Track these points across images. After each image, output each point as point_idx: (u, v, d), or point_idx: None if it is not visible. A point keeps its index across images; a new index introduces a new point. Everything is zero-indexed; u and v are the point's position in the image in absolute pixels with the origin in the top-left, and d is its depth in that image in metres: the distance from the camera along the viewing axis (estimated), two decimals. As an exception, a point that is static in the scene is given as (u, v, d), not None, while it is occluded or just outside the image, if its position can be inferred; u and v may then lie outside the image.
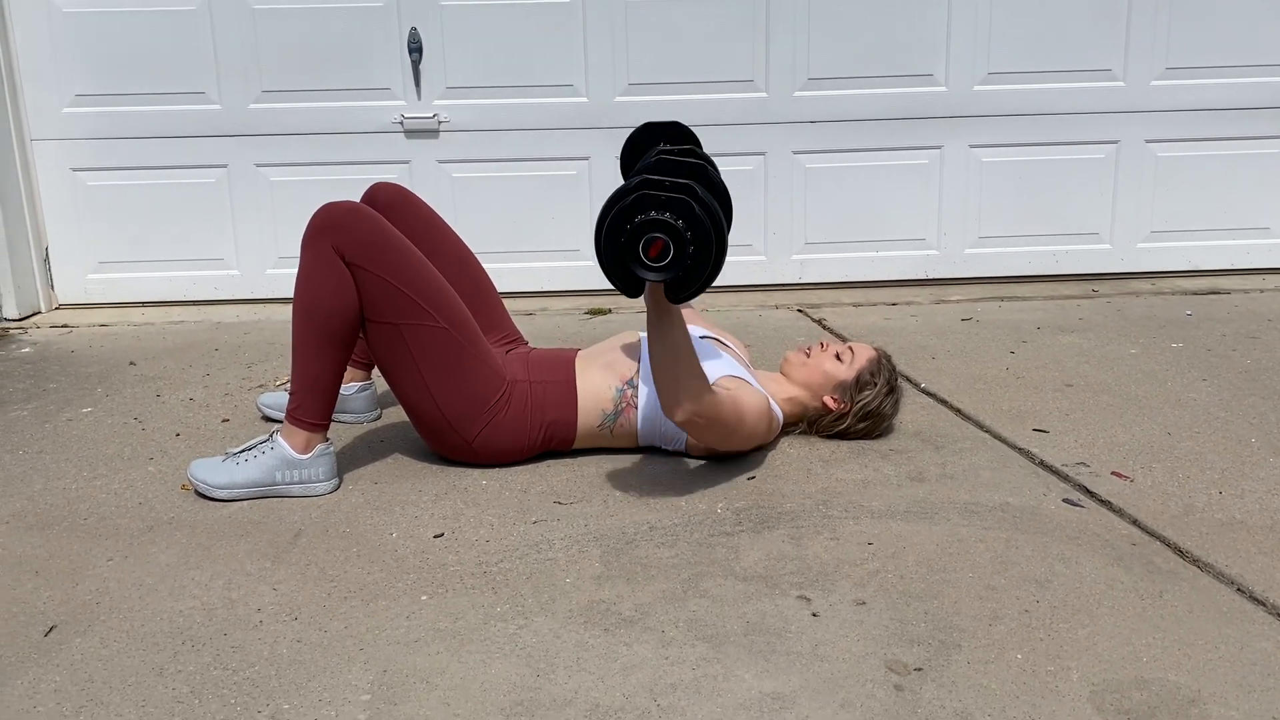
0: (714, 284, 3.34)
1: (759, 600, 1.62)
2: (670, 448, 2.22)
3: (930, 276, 3.89)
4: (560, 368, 2.20)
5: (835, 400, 2.25)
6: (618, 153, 3.63)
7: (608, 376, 2.19)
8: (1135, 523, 1.87)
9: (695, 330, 2.31)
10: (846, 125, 3.76)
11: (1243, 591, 1.63)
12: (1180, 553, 1.76)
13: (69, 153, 3.73)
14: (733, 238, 3.64)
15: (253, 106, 3.70)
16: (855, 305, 3.63)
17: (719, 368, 2.15)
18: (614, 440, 2.22)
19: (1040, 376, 2.74)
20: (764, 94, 3.73)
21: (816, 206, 3.82)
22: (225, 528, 1.95)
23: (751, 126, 3.75)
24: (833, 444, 2.28)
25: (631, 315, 3.56)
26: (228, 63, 3.65)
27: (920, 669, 1.44)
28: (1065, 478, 2.08)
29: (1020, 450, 2.23)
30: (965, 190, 3.83)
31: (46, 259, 3.81)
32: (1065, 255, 3.89)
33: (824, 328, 3.34)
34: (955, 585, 1.66)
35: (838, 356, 2.28)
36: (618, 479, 2.11)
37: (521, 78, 3.69)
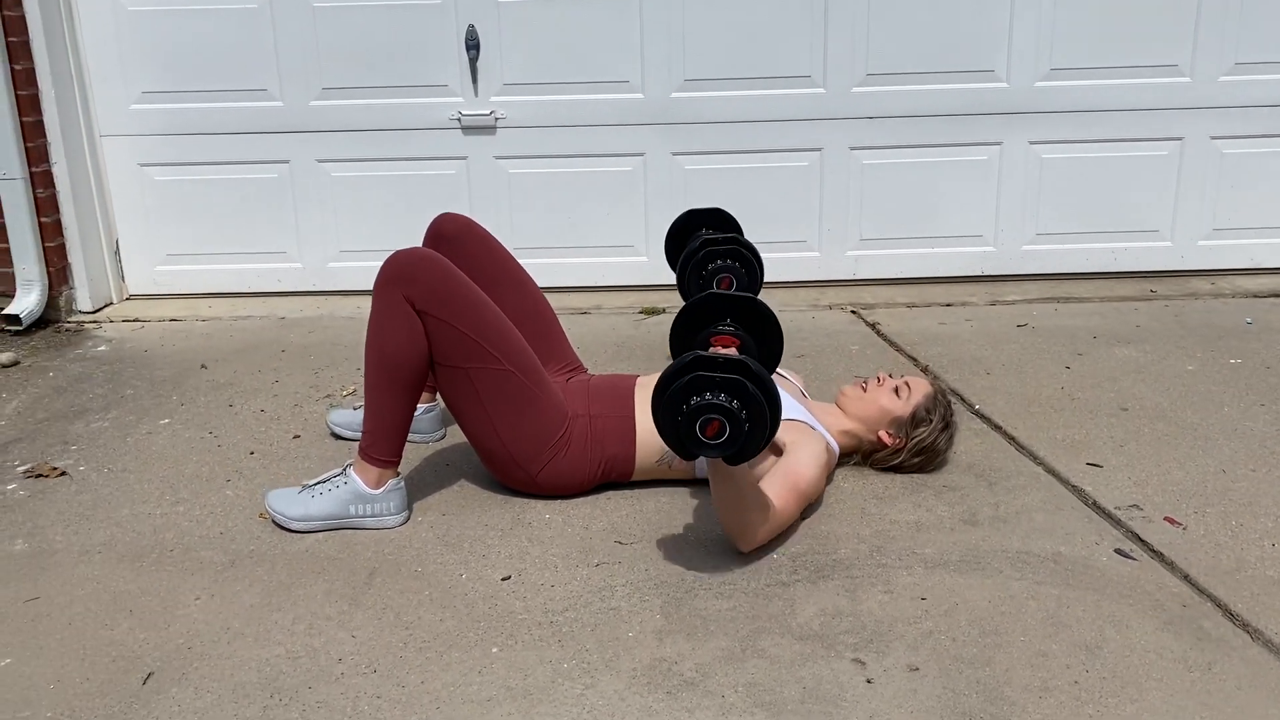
0: (769, 279, 3.43)
1: (815, 663, 1.69)
2: (724, 483, 2.28)
3: (986, 273, 3.87)
4: (620, 401, 2.26)
5: (890, 435, 2.29)
6: (673, 149, 3.68)
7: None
8: (1187, 578, 1.91)
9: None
10: (905, 121, 3.73)
11: (1291, 663, 1.66)
12: (1230, 615, 1.79)
13: (137, 148, 3.81)
14: (787, 233, 3.68)
15: (314, 103, 3.75)
16: (909, 306, 3.64)
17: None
18: (672, 474, 2.28)
19: (1095, 398, 2.75)
20: (821, 90, 3.71)
21: (872, 203, 3.82)
22: (303, 564, 2.05)
23: (808, 122, 3.74)
24: (886, 478, 2.33)
25: (686, 316, 3.59)
26: (289, 60, 3.70)
27: (971, 747, 1.50)
28: (1118, 523, 2.11)
29: (1073, 488, 2.26)
30: (1024, 187, 3.79)
31: (117, 252, 3.92)
32: (1124, 253, 3.86)
33: (878, 333, 3.36)
34: (1007, 650, 1.71)
35: (895, 391, 2.31)
36: (676, 518, 2.18)
37: (578, 74, 3.70)
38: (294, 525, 2.16)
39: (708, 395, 1.77)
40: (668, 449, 2.22)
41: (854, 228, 3.85)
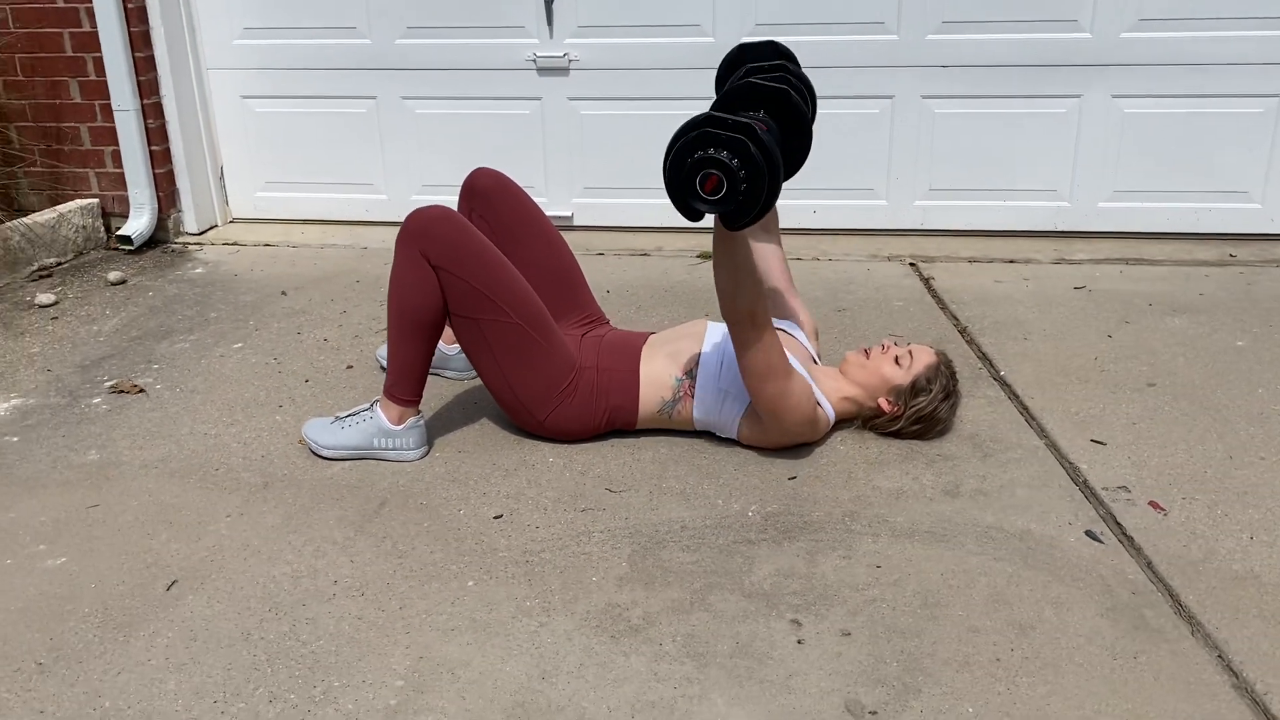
0: (833, 226, 3.46)
1: (754, 620, 1.81)
2: (723, 435, 2.39)
3: (1059, 229, 3.79)
4: (628, 356, 2.38)
5: (890, 403, 2.35)
6: None
7: (669, 366, 2.35)
8: (1149, 565, 1.93)
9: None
10: (980, 71, 3.65)
11: (1222, 658, 1.69)
12: (1179, 606, 1.82)
13: (239, 81, 4.06)
14: (854, 180, 3.67)
15: (399, 42, 3.91)
16: (970, 261, 3.61)
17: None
18: (673, 424, 2.40)
19: (1126, 371, 2.72)
20: (895, 36, 3.66)
21: (943, 153, 3.77)
22: (326, 490, 2.26)
23: (880, 69, 3.70)
24: (883, 443, 2.39)
25: (742, 262, 3.66)
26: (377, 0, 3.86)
27: (875, 713, 1.60)
28: (1100, 503, 2.13)
29: (1068, 465, 2.28)
30: (1104, 142, 3.68)
31: (222, 178, 4.21)
32: (1208, 214, 3.71)
33: (929, 289, 3.36)
34: (941, 623, 1.79)
35: (896, 360, 2.36)
36: (668, 468, 2.30)
37: (650, 18, 3.74)
38: (325, 453, 2.38)
39: (711, 150, 1.88)
40: (667, 399, 2.34)
41: (923, 178, 3.81)
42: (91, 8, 3.73)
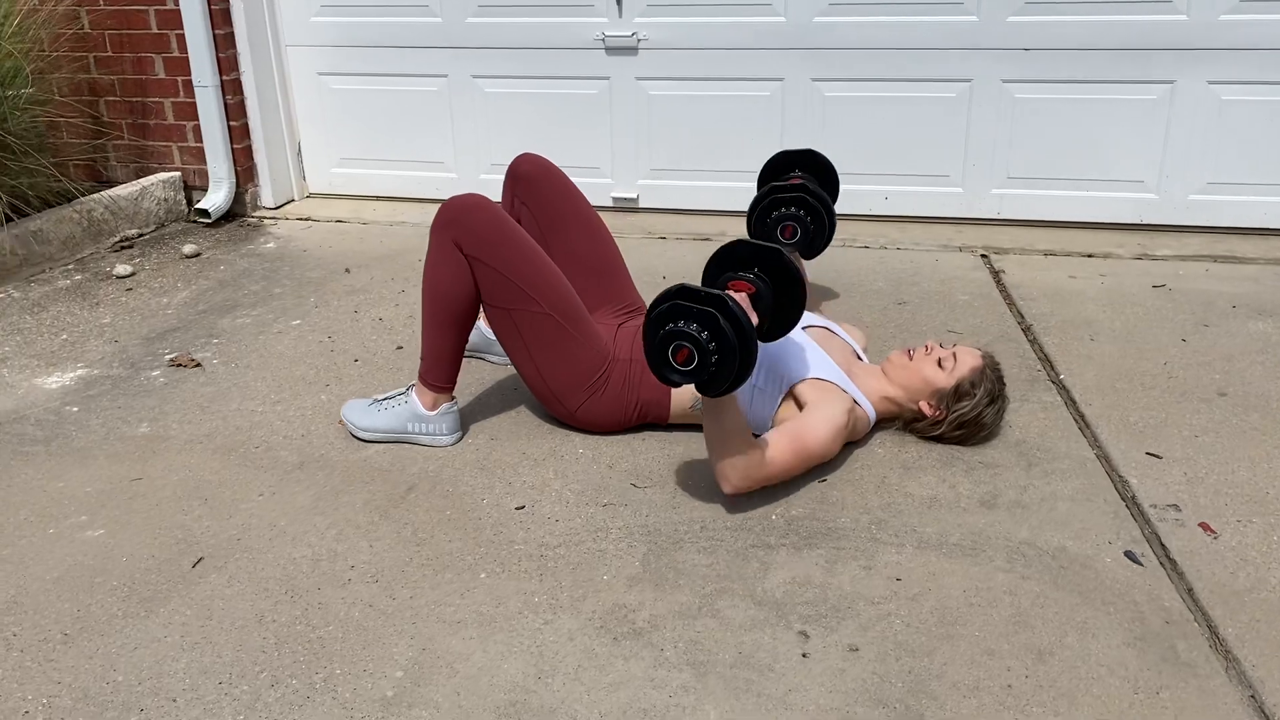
0: (905, 213, 3.43)
1: (761, 630, 1.77)
2: (758, 433, 2.33)
3: (1144, 222, 3.61)
4: (663, 349, 2.34)
5: (931, 406, 2.27)
6: (813, 75, 3.63)
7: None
8: (1190, 592, 1.83)
9: (804, 318, 2.37)
10: (1064, 54, 3.48)
11: (1255, 699, 1.59)
12: (1215, 639, 1.71)
13: (316, 58, 4.13)
14: (929, 167, 3.55)
15: (470, 20, 3.91)
16: (1046, 254, 3.46)
17: (807, 369, 2.22)
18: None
19: (1197, 378, 2.57)
20: (974, 17, 3.51)
21: (1023, 139, 3.61)
22: (357, 472, 2.29)
23: (958, 51, 3.56)
24: (923, 447, 2.31)
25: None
26: (448, -22, 3.87)
27: (871, 735, 1.55)
28: (1146, 521, 2.02)
29: (1118, 479, 2.17)
30: (1197, 130, 3.48)
31: (299, 154, 4.29)
32: (1309, 209, 3.48)
33: (998, 283, 3.23)
34: (956, 642, 1.72)
35: (940, 362, 2.27)
36: (696, 465, 2.26)
37: (721, -4, 3.67)
38: (361, 435, 2.41)
39: (681, 323, 1.90)
40: (699, 396, 2.30)
41: (1001, 165, 3.66)
42: (174, -14, 3.82)
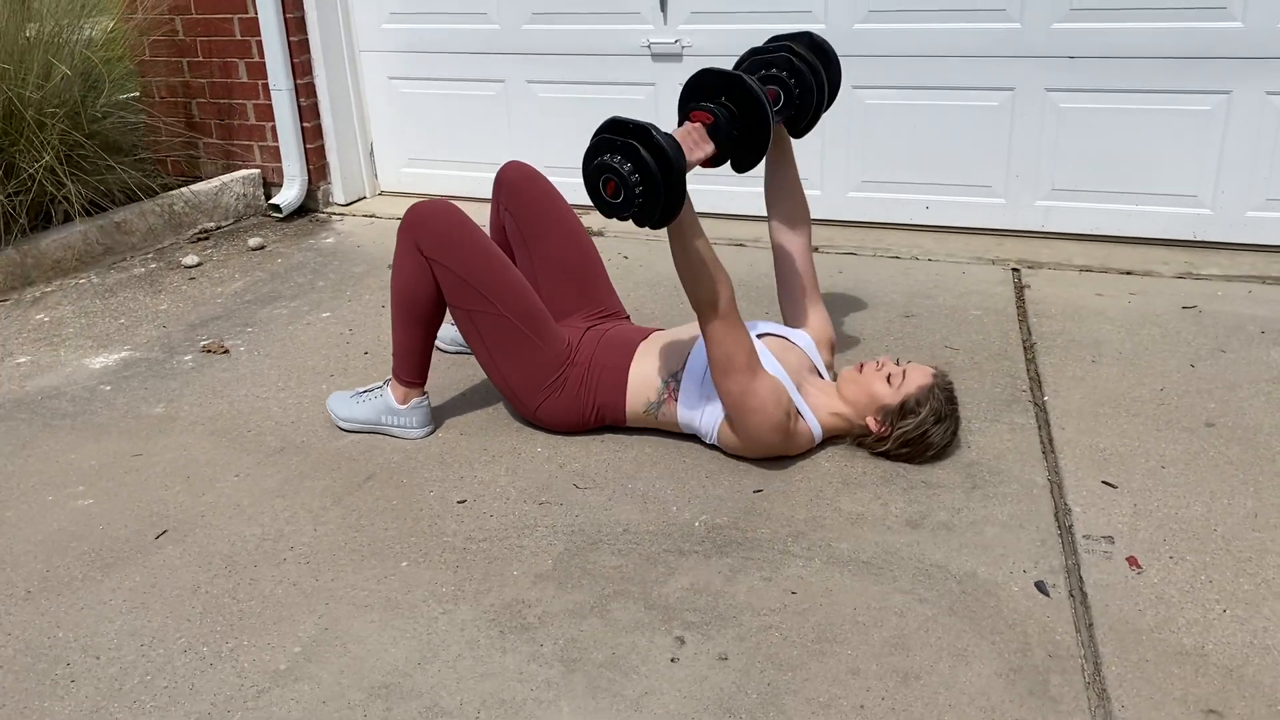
0: (947, 223, 3.37)
1: (640, 633, 1.81)
2: (706, 441, 2.36)
3: (1196, 239, 3.43)
4: (622, 353, 2.40)
5: (878, 423, 2.25)
6: (853, 82, 3.61)
7: (659, 366, 2.36)
8: (1089, 627, 1.77)
9: (755, 327, 2.39)
10: (1112, 62, 3.34)
11: (1114, 742, 1.54)
12: (1096, 676, 1.66)
13: (386, 63, 4.33)
14: (971, 177, 3.46)
15: (525, 27, 4.04)
16: (1081, 269, 3.33)
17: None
18: (660, 424, 2.40)
19: (1189, 406, 2.46)
20: (1017, 24, 3.41)
21: (1068, 150, 3.49)
22: (328, 459, 2.44)
23: (1000, 59, 3.46)
24: (872, 463, 2.29)
25: (835, 257, 3.56)
26: (503, -14, 4.01)
27: (707, 743, 1.58)
28: (1073, 552, 1.97)
29: (1061, 506, 2.11)
30: (1257, 143, 3.28)
31: (371, 154, 4.52)
32: (1377, 230, 3.24)
33: (1019, 298, 3.14)
34: (826, 660, 1.73)
35: (888, 379, 2.25)
36: (642, 470, 2.31)
37: (762, 3, 3.68)
38: (341, 424, 2.56)
39: (607, 156, 1.96)
40: (653, 400, 2.35)
41: (1045, 176, 3.55)
42: (255, -5, 4.09)
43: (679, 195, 1.96)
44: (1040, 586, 1.87)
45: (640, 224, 2.03)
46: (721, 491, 2.22)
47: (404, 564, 2.04)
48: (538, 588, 1.95)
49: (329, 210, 4.42)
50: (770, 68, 2.33)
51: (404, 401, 2.48)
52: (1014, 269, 3.37)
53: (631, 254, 3.70)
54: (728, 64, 3.71)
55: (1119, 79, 3.34)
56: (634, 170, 1.94)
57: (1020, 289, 3.21)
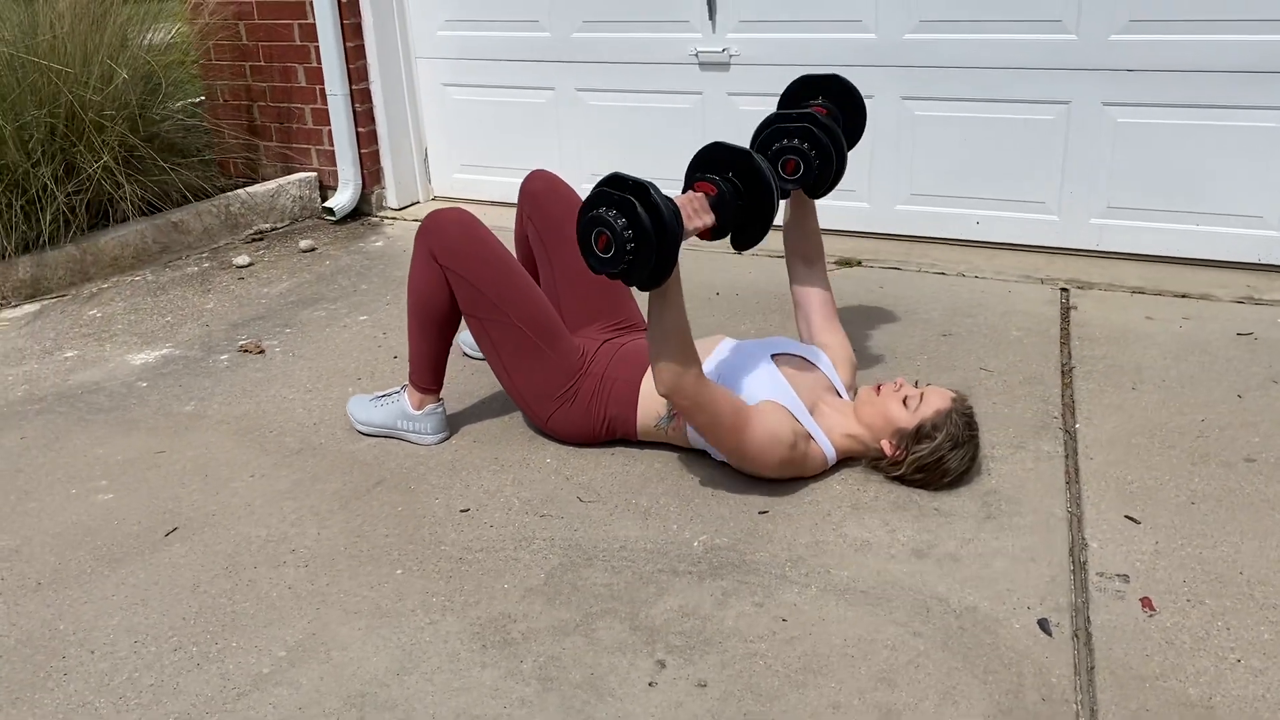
0: (998, 240, 3.29)
1: (622, 654, 1.78)
2: (716, 457, 2.32)
3: (1263, 262, 3.27)
4: (636, 366, 2.37)
5: (893, 446, 2.18)
6: (903, 93, 3.53)
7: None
8: (1089, 670, 1.69)
9: (772, 346, 2.34)
10: (1172, 76, 3.21)
11: (1100, 796, 1.46)
12: (1091, 725, 1.58)
13: (440, 69, 4.37)
14: (1023, 192, 3.36)
15: (575, 35, 4.04)
16: (1134, 291, 3.20)
17: (762, 394, 2.19)
18: (671, 439, 2.37)
19: (1230, 440, 2.34)
20: (1073, 36, 3.29)
21: (1125, 166, 3.36)
22: (342, 462, 2.45)
23: (1055, 72, 3.35)
24: (886, 487, 2.23)
25: (878, 271, 3.48)
26: (555, -6, 4.01)
27: (672, 772, 1.54)
28: (1084, 589, 1.88)
29: (1078, 541, 2.02)
30: (1326, 162, 3.12)
31: (425, 159, 4.56)
32: None
33: (1064, 320, 3.03)
34: (807, 692, 1.67)
35: (905, 401, 2.18)
36: (648, 485, 2.28)
37: (811, 12, 3.61)
38: (360, 427, 2.58)
39: (603, 209, 1.93)
40: (664, 415, 2.32)
41: (1101, 193, 3.42)
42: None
43: (670, 259, 1.93)
44: (1043, 625, 1.79)
45: (628, 283, 1.99)
46: (726, 511, 2.17)
47: (399, 572, 2.04)
48: (526, 602, 1.93)
49: (381, 214, 4.47)
50: (790, 138, 2.35)
51: (419, 407, 2.48)
52: (1063, 289, 3.26)
53: (671, 264, 3.67)
54: (773, 73, 3.67)
55: (1180, 93, 3.20)
56: (628, 226, 1.90)
57: (1066, 310, 3.10)
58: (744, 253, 2.13)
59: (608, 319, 2.55)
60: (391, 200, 4.48)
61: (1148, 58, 3.21)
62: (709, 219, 2.06)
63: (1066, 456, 2.31)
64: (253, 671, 1.79)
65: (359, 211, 4.46)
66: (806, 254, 2.52)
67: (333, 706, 1.70)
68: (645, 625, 1.85)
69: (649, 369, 2.35)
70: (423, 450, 2.49)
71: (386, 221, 4.39)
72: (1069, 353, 2.81)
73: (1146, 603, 1.83)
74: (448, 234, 2.32)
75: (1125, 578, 1.90)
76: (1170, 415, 2.46)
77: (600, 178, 3.82)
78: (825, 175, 2.36)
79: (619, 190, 1.92)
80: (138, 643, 1.88)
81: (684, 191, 2.11)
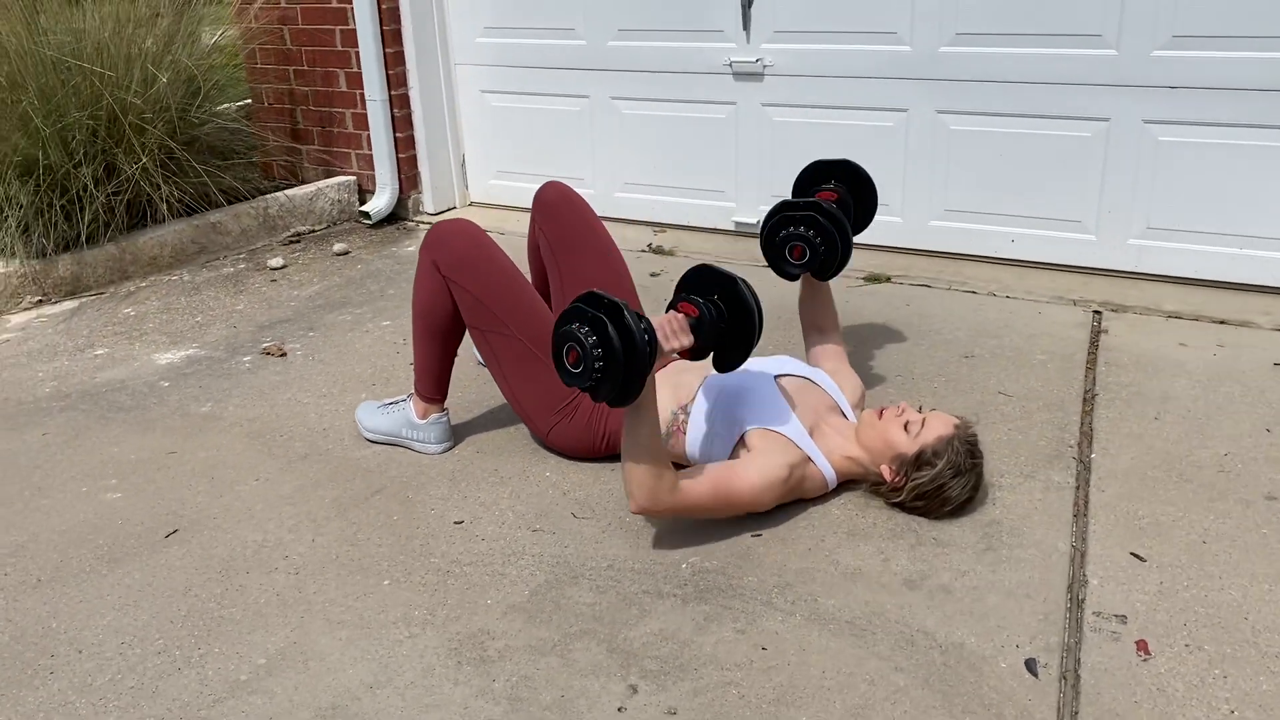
0: (1032, 258, 3.20)
1: (595, 678, 1.75)
2: (711, 476, 2.28)
3: (1308, 288, 3.14)
4: (639, 383, 2.34)
5: (892, 472, 2.13)
6: (938, 106, 3.47)
7: (671, 398, 2.29)
8: (1074, 715, 1.62)
9: (776, 365, 2.30)
10: (1217, 94, 3.10)
11: None
12: (1069, 774, 1.52)
13: (479, 76, 4.40)
14: (1060, 210, 3.28)
15: (610, 44, 4.03)
16: (1170, 316, 3.10)
17: (761, 418, 2.16)
18: (671, 457, 2.33)
19: (1253, 476, 2.24)
20: (1113, 51, 3.20)
21: (1167, 186, 3.25)
22: (346, 469, 2.47)
23: (1093, 88, 3.26)
24: (885, 513, 2.17)
25: (906, 288, 3.41)
26: (589, 2, 4.00)
27: (630, 802, 1.51)
28: (1077, 629, 1.81)
29: (1078, 578, 1.95)
30: (1378, 186, 2.99)
31: (463, 164, 4.59)
32: None
33: (1092, 345, 2.94)
34: (778, 725, 1.63)
35: (906, 426, 2.13)
36: (643, 503, 2.25)
37: (845, 23, 3.56)
38: (366, 434, 2.59)
39: (575, 325, 1.93)
40: (661, 434, 2.29)
41: (1140, 214, 3.31)
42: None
43: (637, 378, 1.90)
44: (1029, 665, 1.73)
45: (595, 399, 1.97)
46: (718, 532, 2.14)
47: (386, 583, 2.04)
48: (507, 619, 1.91)
49: (417, 219, 4.51)
50: (796, 225, 2.41)
51: (423, 416, 2.49)
52: (1095, 311, 3.16)
53: (697, 276, 3.63)
54: (807, 84, 3.62)
55: (1225, 112, 3.09)
56: (597, 344, 1.90)
57: (1096, 334, 3.00)
58: (724, 373, 2.14)
59: (615, 333, 2.53)
60: (428, 205, 4.52)
61: (1191, 75, 3.10)
62: (686, 340, 2.04)
63: (1078, 488, 2.24)
64: (230, 678, 1.80)
65: (395, 216, 4.50)
66: (820, 325, 2.55)
67: (303, 718, 1.70)
68: (622, 648, 1.82)
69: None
70: (425, 459, 2.49)
71: (422, 226, 4.42)
72: (1094, 378, 2.73)
73: (1142, 646, 1.76)
74: (451, 246, 2.32)
75: (1123, 618, 1.83)
76: (1192, 448, 2.37)
77: (629, 188, 3.80)
78: (831, 260, 2.43)
79: (592, 308, 1.92)
80: (124, 644, 1.90)
81: (668, 310, 2.09)
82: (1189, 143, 3.17)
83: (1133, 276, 3.37)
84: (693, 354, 2.10)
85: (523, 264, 2.67)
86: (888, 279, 3.50)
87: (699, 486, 2.04)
